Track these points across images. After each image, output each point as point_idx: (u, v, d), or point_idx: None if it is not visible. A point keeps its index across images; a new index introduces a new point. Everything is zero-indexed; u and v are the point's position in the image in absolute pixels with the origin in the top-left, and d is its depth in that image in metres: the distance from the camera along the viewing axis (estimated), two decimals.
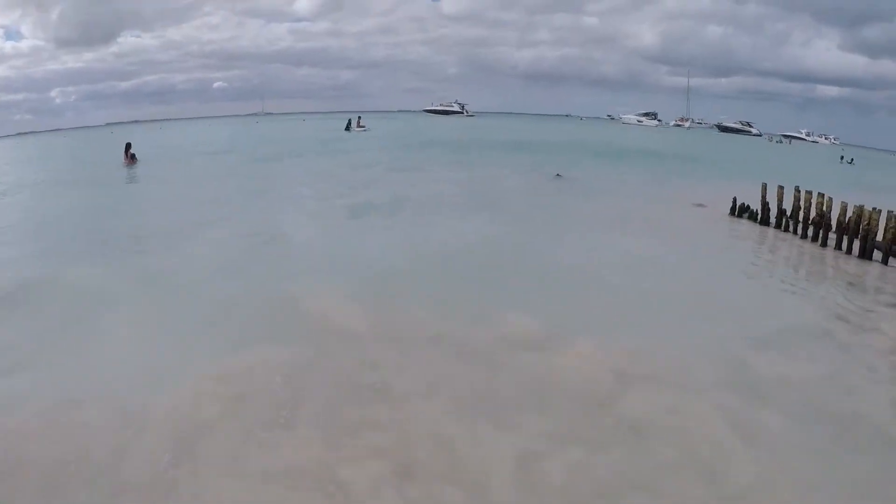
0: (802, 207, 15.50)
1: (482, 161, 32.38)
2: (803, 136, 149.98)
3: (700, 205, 20.22)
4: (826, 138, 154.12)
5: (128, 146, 31.98)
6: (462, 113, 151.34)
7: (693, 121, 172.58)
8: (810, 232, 15.25)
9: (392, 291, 9.98)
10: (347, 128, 62.48)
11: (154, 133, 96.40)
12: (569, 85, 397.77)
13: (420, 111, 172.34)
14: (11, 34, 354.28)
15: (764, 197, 17.10)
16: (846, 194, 15.60)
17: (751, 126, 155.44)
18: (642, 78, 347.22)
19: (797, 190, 15.75)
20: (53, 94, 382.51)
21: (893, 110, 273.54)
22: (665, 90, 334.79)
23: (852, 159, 57.02)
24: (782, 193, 16.73)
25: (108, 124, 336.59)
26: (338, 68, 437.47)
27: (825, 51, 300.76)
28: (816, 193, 15.04)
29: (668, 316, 9.38)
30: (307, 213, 17.53)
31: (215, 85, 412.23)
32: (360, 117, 65.82)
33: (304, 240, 14.29)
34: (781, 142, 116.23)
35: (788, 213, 16.15)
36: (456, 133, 60.30)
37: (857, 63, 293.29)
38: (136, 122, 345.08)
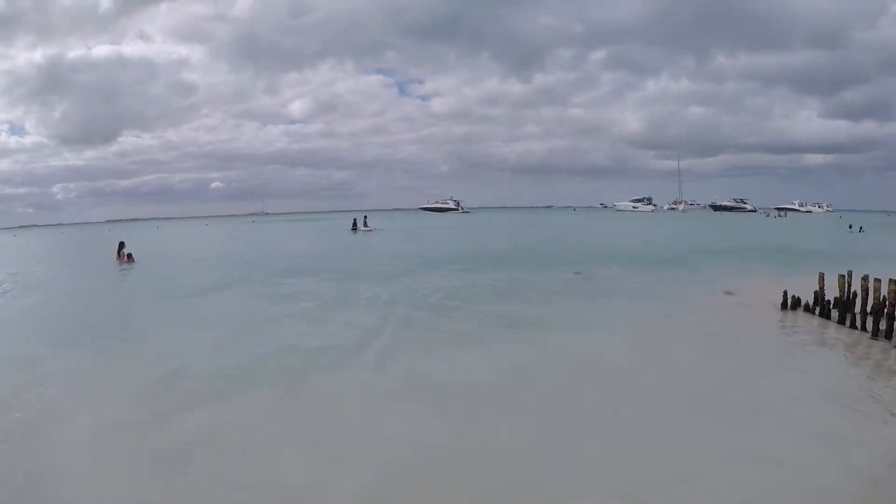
0: (872, 297, 13.02)
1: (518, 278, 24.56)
2: (797, 206, 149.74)
3: (729, 293, 18.46)
4: (819, 207, 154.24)
5: (121, 245, 30.68)
6: (457, 209, 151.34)
7: (686, 202, 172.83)
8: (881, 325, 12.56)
9: None
10: (354, 228, 59.69)
11: (151, 231, 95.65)
12: (559, 176, 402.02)
13: (414, 209, 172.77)
14: (16, 129, 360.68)
15: (822, 288, 14.50)
16: (880, 268, 14.21)
17: (745, 202, 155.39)
18: (631, 164, 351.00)
19: (863, 279, 13.27)
20: (55, 189, 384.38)
21: (879, 171, 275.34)
22: (654, 174, 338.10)
23: (861, 227, 55.20)
24: (844, 282, 14.08)
25: (107, 221, 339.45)
26: (332, 168, 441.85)
27: (807, 120, 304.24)
28: (888, 280, 12.53)
29: None
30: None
31: (213, 185, 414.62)
32: (365, 217, 63.09)
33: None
34: (778, 216, 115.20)
35: (852, 305, 13.57)
36: (463, 236, 56.99)
37: (840, 128, 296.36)
38: (136, 219, 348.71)
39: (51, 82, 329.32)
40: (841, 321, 13.60)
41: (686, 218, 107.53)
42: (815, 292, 14.67)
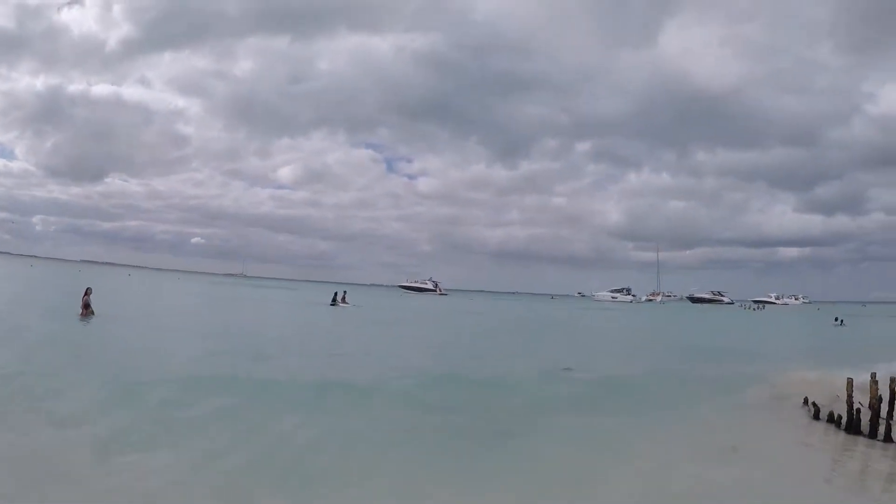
0: None
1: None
2: (773, 299, 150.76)
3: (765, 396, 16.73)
4: (795, 298, 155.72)
5: (87, 291, 27.50)
6: (435, 291, 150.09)
7: (664, 294, 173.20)
8: None
9: None
10: (333, 302, 58.45)
11: (122, 279, 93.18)
12: (538, 263, 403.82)
13: (393, 286, 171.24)
14: (5, 153, 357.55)
15: (850, 395, 12.66)
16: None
17: (722, 295, 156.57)
18: (610, 254, 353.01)
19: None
20: (35, 220, 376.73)
21: (852, 263, 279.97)
22: (633, 265, 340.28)
23: (842, 320, 54.94)
24: (875, 389, 12.27)
25: (82, 261, 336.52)
26: (315, 237, 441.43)
27: (782, 214, 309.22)
28: None
29: None
30: None
31: (193, 240, 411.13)
32: (345, 292, 62.16)
33: None
34: (756, 308, 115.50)
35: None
36: (444, 323, 54.70)
37: (814, 222, 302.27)
38: (111, 263, 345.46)
39: (47, 112, 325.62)
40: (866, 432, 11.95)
41: (666, 310, 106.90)
42: (847, 400, 12.62)
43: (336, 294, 60.90)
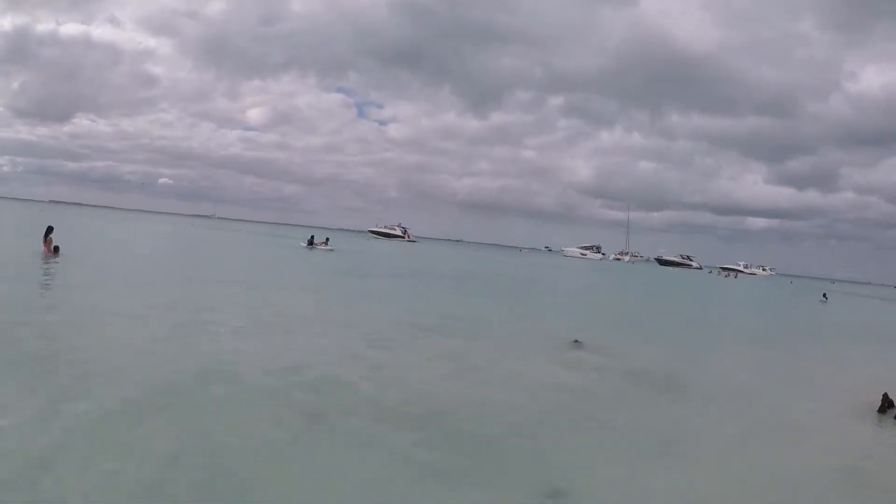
0: None
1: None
2: (741, 268, 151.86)
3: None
4: (763, 269, 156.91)
5: (48, 230, 25.34)
6: (403, 238, 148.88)
7: (632, 254, 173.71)
8: None
9: None
10: (310, 244, 58.16)
11: (86, 220, 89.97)
12: (507, 215, 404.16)
13: (361, 231, 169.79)
14: None
15: None
16: None
17: (691, 259, 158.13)
18: (578, 210, 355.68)
19: None
20: (2, 160, 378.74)
21: (820, 238, 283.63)
22: (599, 223, 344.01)
23: (826, 296, 54.40)
24: None
25: (51, 201, 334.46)
26: (283, 181, 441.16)
27: (753, 184, 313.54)
28: None
29: None
30: None
31: (161, 181, 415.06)
32: (327, 238, 62.46)
33: None
34: (727, 276, 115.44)
35: None
36: (412, 263, 54.10)
37: (784, 194, 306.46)
38: (80, 204, 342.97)
39: (15, 52, 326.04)
40: None
41: (638, 270, 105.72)
42: None
43: (312, 237, 60.58)
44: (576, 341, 15.52)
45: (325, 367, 10.72)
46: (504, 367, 12.45)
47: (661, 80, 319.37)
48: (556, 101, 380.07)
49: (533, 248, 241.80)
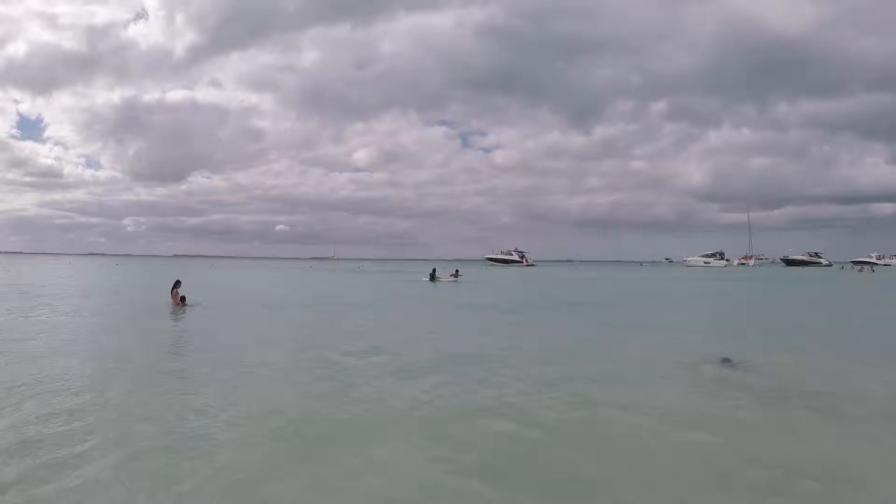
0: None
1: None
2: (874, 259, 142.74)
3: None
4: None
5: (176, 284, 26.98)
6: (521, 262, 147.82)
7: (756, 257, 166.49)
8: None
9: None
10: (432, 278, 56.94)
11: (209, 271, 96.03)
12: (622, 230, 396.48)
13: (478, 259, 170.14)
14: (92, 163, 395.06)
15: None
16: None
17: (819, 257, 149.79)
18: (696, 217, 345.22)
19: None
20: (126, 222, 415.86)
21: None
22: (719, 228, 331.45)
23: None
24: None
25: (174, 255, 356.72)
26: (396, 217, 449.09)
27: (874, 167, 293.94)
28: None
29: None
30: None
31: (278, 228, 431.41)
32: (457, 270, 62.08)
33: None
34: (862, 270, 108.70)
35: None
36: (537, 289, 51.89)
37: None
38: (201, 255, 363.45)
39: (127, 122, 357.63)
40: None
41: (765, 274, 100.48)
42: None
43: (434, 270, 59.87)
44: (725, 360, 13.60)
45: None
46: (643, 397, 10.54)
47: (761, 70, 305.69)
48: (658, 106, 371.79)
49: (653, 262, 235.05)
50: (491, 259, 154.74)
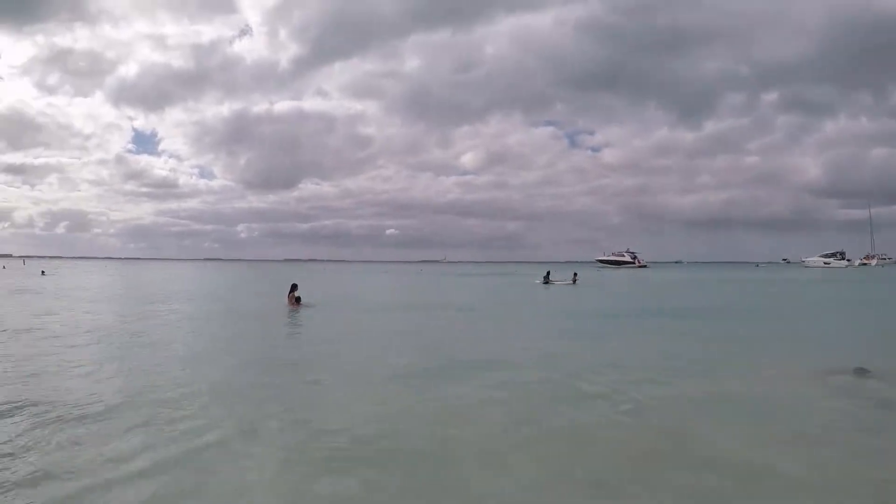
0: None
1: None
2: None
3: None
4: None
5: (293, 287, 28.26)
6: (633, 263, 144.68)
7: (879, 256, 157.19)
8: None
9: None
10: (546, 281, 55.70)
11: (320, 274, 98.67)
12: (735, 229, 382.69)
13: (587, 261, 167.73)
14: (205, 173, 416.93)
15: None
16: None
17: None
18: (813, 214, 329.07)
19: None
20: (239, 228, 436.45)
21: None
22: (838, 225, 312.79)
23: None
24: None
25: (286, 260, 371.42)
26: (504, 219, 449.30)
27: None
28: None
29: None
30: None
31: (387, 232, 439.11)
32: (575, 273, 59.06)
33: None
34: None
35: None
36: (657, 292, 49.45)
37: None
38: (312, 260, 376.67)
39: (237, 133, 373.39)
40: None
41: (892, 274, 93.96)
42: None
43: (549, 273, 58.43)
44: (859, 369, 12.29)
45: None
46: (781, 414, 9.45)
47: (876, 52, 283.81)
48: (769, 97, 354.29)
49: (769, 262, 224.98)
50: (602, 261, 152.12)
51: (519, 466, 7.06)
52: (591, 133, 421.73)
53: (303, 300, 27.84)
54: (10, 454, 7.14)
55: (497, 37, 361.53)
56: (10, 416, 8.77)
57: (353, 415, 9.21)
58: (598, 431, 8.49)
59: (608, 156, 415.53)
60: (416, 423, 8.79)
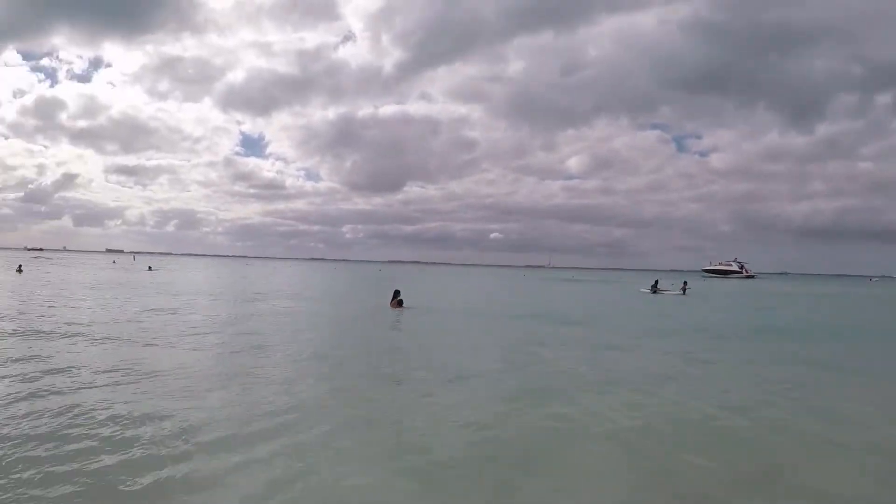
0: None
1: None
2: None
3: None
4: None
5: (396, 293, 29.14)
6: (741, 274, 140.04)
7: None
8: None
9: None
10: (654, 290, 53.47)
11: (424, 276, 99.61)
12: (848, 239, 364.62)
13: (692, 271, 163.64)
14: (311, 176, 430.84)
15: None
16: None
17: None
18: None
19: None
20: (345, 229, 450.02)
21: None
22: None
23: None
24: None
25: (389, 261, 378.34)
26: (610, 225, 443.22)
27: None
28: None
29: None
30: None
31: (492, 235, 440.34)
32: (685, 282, 56.82)
33: None
34: None
35: None
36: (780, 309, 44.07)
37: None
38: (416, 262, 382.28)
39: (342, 137, 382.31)
40: None
41: None
42: None
43: (657, 282, 55.71)
44: None
45: None
46: None
47: None
48: (883, 98, 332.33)
49: (883, 276, 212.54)
50: (708, 270, 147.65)
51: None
52: (699, 137, 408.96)
53: (405, 303, 28.48)
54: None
55: (600, 38, 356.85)
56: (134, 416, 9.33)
57: (450, 424, 9.12)
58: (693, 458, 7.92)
59: (716, 161, 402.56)
60: (515, 438, 8.56)
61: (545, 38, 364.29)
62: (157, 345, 15.67)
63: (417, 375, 12.92)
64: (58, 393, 9.88)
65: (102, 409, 8.90)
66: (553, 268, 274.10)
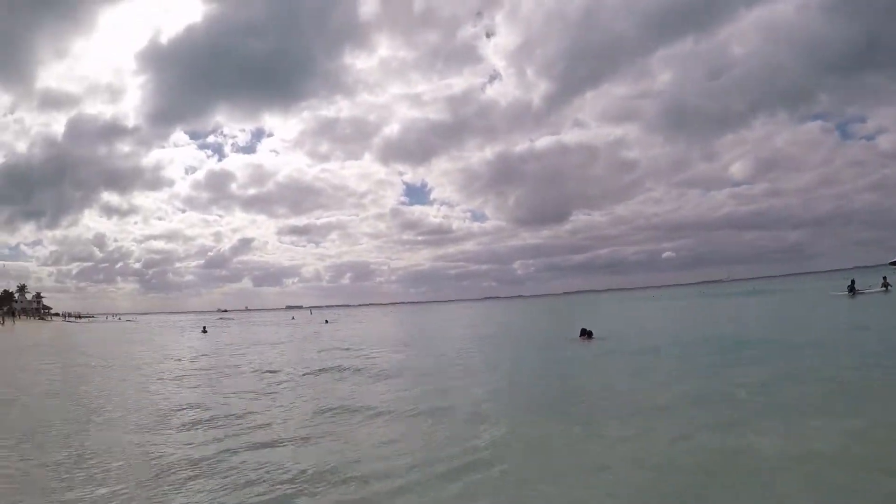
0: None
1: None
2: None
3: None
4: None
5: (583, 331, 30.48)
6: None
7: None
8: None
9: None
10: (851, 291, 49.69)
11: (601, 304, 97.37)
12: None
13: (878, 266, 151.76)
14: (477, 216, 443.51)
15: None
16: None
17: None
18: None
19: None
20: (515, 265, 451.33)
21: None
22: None
23: None
24: None
25: (564, 293, 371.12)
26: (783, 228, 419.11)
27: None
28: None
29: None
30: None
31: (664, 255, 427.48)
32: (885, 278, 51.59)
33: None
34: None
35: None
36: None
37: None
38: (590, 290, 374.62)
39: (502, 174, 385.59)
40: None
41: None
42: None
43: (853, 281, 51.64)
44: None
45: None
46: None
47: None
48: None
49: None
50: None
51: None
52: (863, 120, 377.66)
53: (594, 334, 29.90)
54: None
55: (742, 35, 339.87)
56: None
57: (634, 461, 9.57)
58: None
59: (885, 142, 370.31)
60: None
61: (686, 45, 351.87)
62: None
63: (603, 406, 14.01)
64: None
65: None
66: (731, 281, 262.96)
